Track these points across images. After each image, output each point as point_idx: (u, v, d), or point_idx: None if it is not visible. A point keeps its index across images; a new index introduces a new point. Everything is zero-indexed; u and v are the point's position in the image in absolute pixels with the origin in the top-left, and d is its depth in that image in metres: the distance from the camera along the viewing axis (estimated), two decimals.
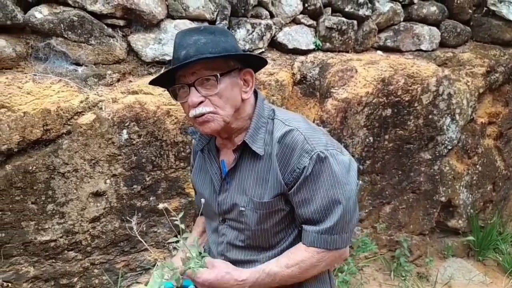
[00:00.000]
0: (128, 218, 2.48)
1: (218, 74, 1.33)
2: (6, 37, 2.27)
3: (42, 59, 2.39)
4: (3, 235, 2.21)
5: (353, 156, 3.22)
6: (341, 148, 1.45)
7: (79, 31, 2.42)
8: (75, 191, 2.33)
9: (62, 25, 2.37)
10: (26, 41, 2.35)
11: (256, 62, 1.48)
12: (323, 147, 1.37)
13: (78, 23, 2.40)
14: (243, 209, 1.45)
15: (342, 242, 1.41)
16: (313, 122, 3.05)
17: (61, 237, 2.34)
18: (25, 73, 2.31)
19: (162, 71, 1.45)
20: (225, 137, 1.48)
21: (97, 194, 2.39)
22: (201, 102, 1.35)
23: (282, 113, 1.49)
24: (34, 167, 2.22)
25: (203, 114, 1.36)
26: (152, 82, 1.45)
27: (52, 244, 2.32)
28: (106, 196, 2.42)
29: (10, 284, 2.20)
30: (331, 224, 1.37)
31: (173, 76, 1.40)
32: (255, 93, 1.51)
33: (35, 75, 2.32)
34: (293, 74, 3.04)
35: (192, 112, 1.37)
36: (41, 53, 2.39)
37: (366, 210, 3.44)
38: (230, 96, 1.36)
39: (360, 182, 3.32)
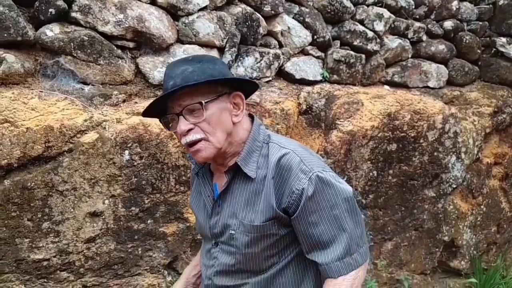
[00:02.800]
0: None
1: (203, 101, 1.34)
2: (15, 53, 2.29)
3: (49, 77, 2.40)
4: None
5: (356, 189, 3.19)
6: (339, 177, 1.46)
7: (89, 50, 2.44)
8: (72, 210, 2.30)
9: (72, 44, 2.39)
10: (35, 57, 2.37)
11: (247, 86, 1.51)
12: (321, 168, 1.37)
13: (88, 42, 2.42)
14: (233, 232, 1.44)
15: (363, 256, 1.40)
16: (317, 152, 3.04)
17: (54, 257, 2.29)
18: (32, 89, 2.31)
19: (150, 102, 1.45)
20: (220, 163, 1.49)
21: (94, 214, 2.36)
22: (191, 129, 1.37)
23: (277, 137, 1.50)
24: (33, 183, 2.20)
25: (194, 142, 1.38)
26: (144, 114, 1.47)
27: (45, 263, 2.28)
28: (103, 217, 2.39)
29: None
30: (345, 245, 1.36)
31: (166, 107, 1.42)
32: (252, 118, 1.53)
33: (41, 91, 2.33)
34: (299, 104, 3.04)
35: (183, 140, 1.39)
36: (49, 70, 2.40)
37: (367, 245, 3.37)
38: (219, 121, 1.37)
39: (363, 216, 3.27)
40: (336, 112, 3.11)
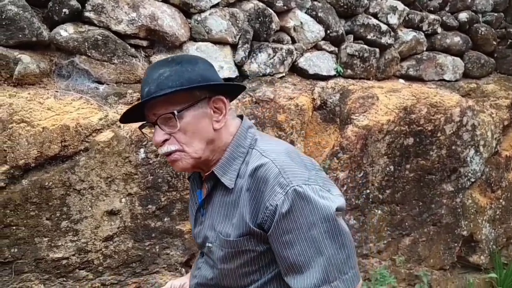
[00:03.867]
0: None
1: (175, 111, 1.24)
2: (30, 53, 2.31)
3: (64, 76, 2.41)
4: (16, 250, 2.18)
5: (372, 185, 3.16)
6: (330, 188, 1.27)
7: (103, 50, 2.44)
8: (90, 208, 2.31)
9: (86, 44, 2.40)
10: (50, 58, 2.38)
11: (232, 87, 1.42)
12: (302, 181, 1.20)
13: (102, 42, 2.43)
14: (210, 245, 1.34)
15: (348, 284, 1.19)
16: (332, 148, 3.01)
17: (73, 255, 2.30)
18: (47, 89, 2.32)
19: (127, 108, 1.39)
20: (206, 171, 1.38)
21: (112, 213, 2.37)
22: (166, 140, 1.28)
23: (264, 142, 1.35)
24: (51, 182, 2.21)
25: (170, 153, 1.29)
26: (123, 121, 1.40)
27: (64, 262, 2.29)
28: (120, 215, 2.39)
29: None
30: (322, 271, 1.17)
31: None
32: (242, 119, 1.41)
33: (57, 91, 2.34)
34: (313, 99, 3.01)
35: (159, 151, 1.31)
36: (64, 70, 2.41)
37: (385, 241, 3.34)
38: (196, 130, 1.28)
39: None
40: (351, 107, 3.08)
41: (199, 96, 1.28)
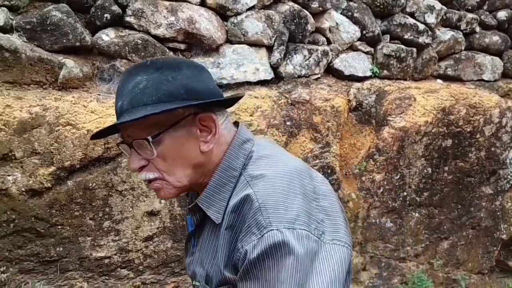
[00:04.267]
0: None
1: (150, 138, 1.02)
2: (74, 58, 2.37)
3: (106, 80, 2.47)
4: (61, 249, 2.25)
5: (409, 187, 3.11)
6: (327, 230, 0.98)
7: (142, 53, 2.49)
8: (131, 209, 2.36)
9: (126, 48, 2.45)
10: (92, 62, 2.44)
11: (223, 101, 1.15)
12: (285, 223, 0.94)
13: (142, 46, 2.48)
14: (197, 284, 1.12)
15: None
16: (368, 150, 2.98)
17: (115, 254, 2.36)
18: (90, 93, 2.39)
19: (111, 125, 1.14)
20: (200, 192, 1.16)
21: (152, 214, 2.41)
22: (144, 166, 1.08)
23: (258, 163, 1.07)
24: (94, 183, 2.27)
25: (149, 181, 1.09)
26: (95, 137, 1.18)
27: (106, 260, 2.35)
28: (160, 216, 2.44)
29: None
30: None
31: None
32: (238, 127, 1.16)
33: (99, 94, 2.40)
34: (349, 100, 3.00)
35: (139, 176, 1.11)
36: (106, 74, 2.47)
37: (422, 245, 3.29)
38: (178, 155, 1.06)
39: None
40: (387, 108, 3.05)
41: (181, 114, 1.05)
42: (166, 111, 1.00)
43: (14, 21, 2.26)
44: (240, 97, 1.22)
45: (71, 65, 2.34)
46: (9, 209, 2.13)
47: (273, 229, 0.93)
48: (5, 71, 2.23)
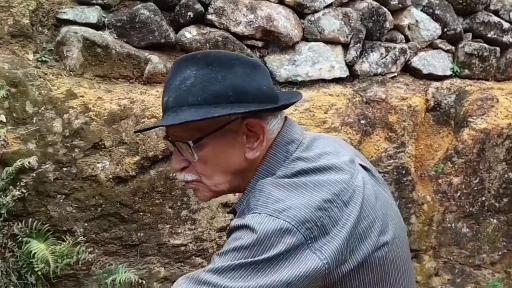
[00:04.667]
0: None
1: (191, 143, 0.96)
2: (159, 54, 2.50)
3: None
4: (142, 234, 2.39)
5: (488, 192, 2.97)
6: (329, 242, 0.86)
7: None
8: None
9: (207, 45, 2.54)
10: (175, 58, 2.55)
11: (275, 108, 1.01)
12: (271, 210, 0.88)
13: (221, 43, 2.56)
14: None
15: None
16: (446, 151, 2.89)
17: (190, 243, 2.47)
18: None
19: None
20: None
21: (226, 205, 2.49)
22: (185, 167, 1.02)
23: (274, 187, 0.93)
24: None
25: (187, 181, 1.04)
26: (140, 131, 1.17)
27: (183, 248, 2.46)
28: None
29: (144, 282, 2.36)
30: None
31: None
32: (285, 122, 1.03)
33: None
34: (427, 100, 2.91)
35: (177, 176, 1.07)
36: None
37: (500, 253, 3.13)
38: (219, 161, 0.99)
39: None
40: (467, 109, 2.93)
41: (227, 118, 0.96)
42: (207, 118, 0.92)
43: (106, 19, 2.42)
44: (294, 102, 1.06)
45: (156, 61, 2.47)
46: (97, 194, 2.28)
47: (255, 212, 0.89)
48: (96, 66, 2.40)
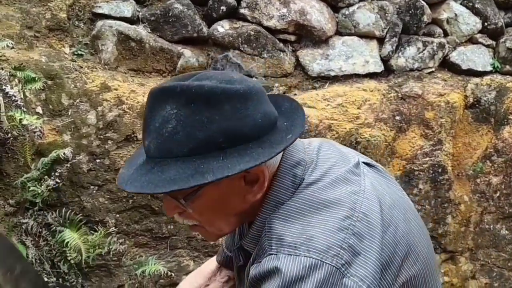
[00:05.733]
0: None
1: (182, 200, 0.85)
2: (191, 48, 2.51)
3: (219, 70, 2.57)
4: (172, 227, 2.40)
5: None
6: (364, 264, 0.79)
7: (254, 44, 2.55)
8: None
9: (239, 39, 2.53)
10: (207, 52, 2.56)
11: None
12: (288, 248, 0.79)
13: (254, 37, 2.54)
14: None
15: None
16: (485, 150, 2.78)
17: None
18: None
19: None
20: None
21: None
22: (180, 212, 0.91)
23: (285, 221, 0.84)
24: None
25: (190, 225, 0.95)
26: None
27: (212, 242, 2.46)
28: None
29: (172, 274, 2.37)
30: None
31: None
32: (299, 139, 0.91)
33: None
34: (466, 96, 2.81)
35: (177, 220, 0.95)
36: (219, 64, 2.58)
37: None
38: (218, 209, 0.88)
39: None
40: (509, 106, 2.81)
41: None
42: (200, 185, 0.79)
43: (140, 13, 2.45)
44: (293, 140, 0.86)
45: (189, 55, 2.48)
46: None
47: (270, 254, 0.80)
48: (130, 60, 2.43)
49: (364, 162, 0.96)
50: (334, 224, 0.80)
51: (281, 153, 0.86)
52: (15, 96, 1.92)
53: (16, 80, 2.05)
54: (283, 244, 0.79)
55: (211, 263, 1.27)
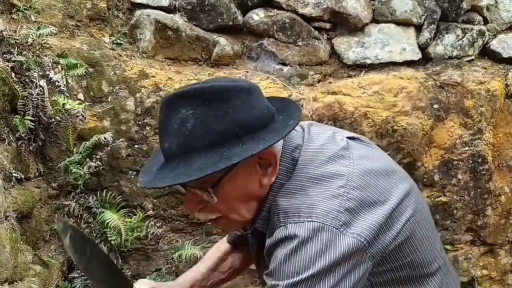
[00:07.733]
0: None
1: (210, 189, 0.96)
2: (226, 36, 2.53)
3: (253, 58, 2.59)
4: None
5: None
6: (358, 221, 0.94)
7: (289, 32, 2.55)
8: None
9: (274, 27, 2.54)
10: (242, 41, 2.58)
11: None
12: (293, 217, 0.95)
13: (289, 25, 2.54)
14: None
15: None
16: None
17: None
18: (239, 70, 2.53)
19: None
20: None
21: None
22: (202, 207, 1.03)
23: (289, 197, 0.99)
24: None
25: (211, 220, 1.07)
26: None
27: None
28: None
29: None
30: None
31: None
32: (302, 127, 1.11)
33: (247, 72, 2.52)
34: (506, 85, 2.72)
35: (198, 217, 1.09)
36: (254, 52, 2.59)
37: None
38: (239, 195, 1.01)
39: None
40: None
41: None
42: (229, 167, 0.91)
43: (177, 2, 2.48)
44: (295, 124, 1.00)
45: (224, 43, 2.51)
46: None
47: (281, 226, 0.96)
48: (167, 48, 2.47)
49: (348, 137, 1.11)
50: (331, 193, 0.95)
51: (282, 140, 1.01)
52: (58, 82, 1.98)
53: (59, 67, 2.11)
54: (289, 215, 0.95)
55: (222, 243, 1.45)
